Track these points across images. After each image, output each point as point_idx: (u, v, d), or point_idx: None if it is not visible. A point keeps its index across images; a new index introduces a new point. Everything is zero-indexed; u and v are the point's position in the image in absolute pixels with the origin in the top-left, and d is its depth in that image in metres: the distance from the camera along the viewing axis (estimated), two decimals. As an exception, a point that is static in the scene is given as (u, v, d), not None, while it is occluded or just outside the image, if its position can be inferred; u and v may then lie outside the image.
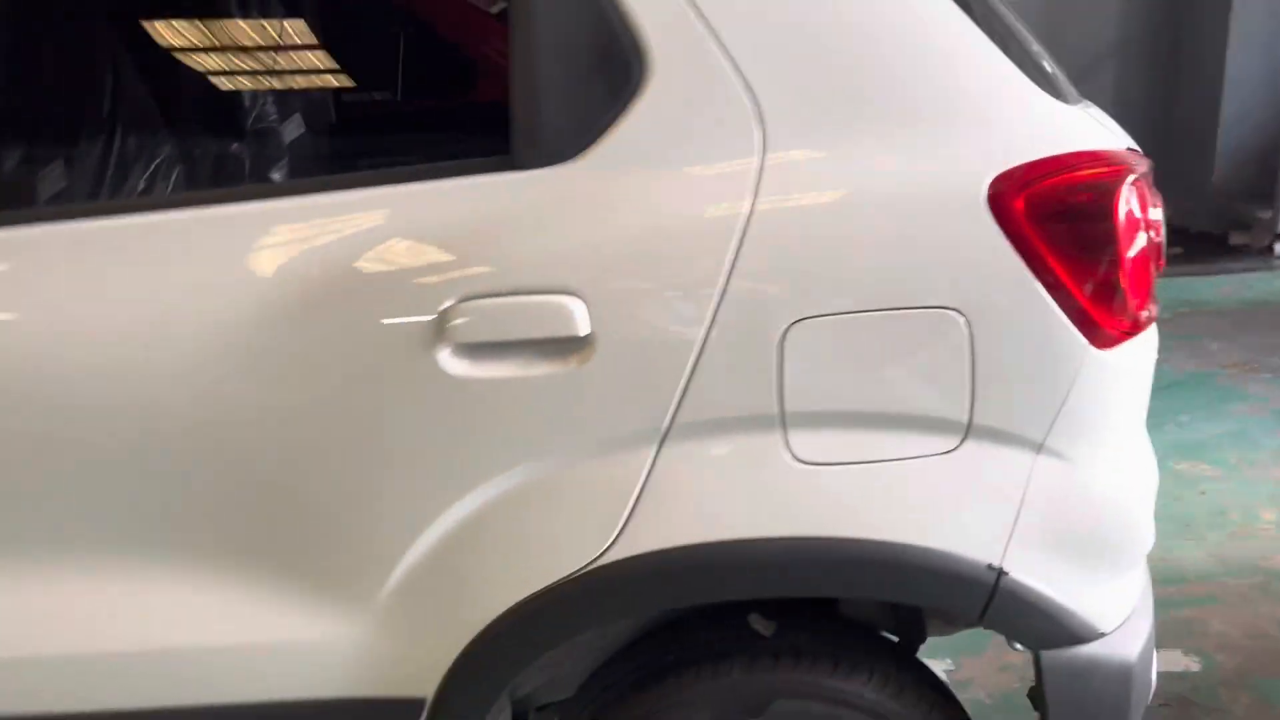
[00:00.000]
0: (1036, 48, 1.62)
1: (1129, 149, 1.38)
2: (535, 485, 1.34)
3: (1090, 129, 1.33)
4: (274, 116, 2.50)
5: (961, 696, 1.60)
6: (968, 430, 1.30)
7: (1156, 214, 1.36)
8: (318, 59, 2.57)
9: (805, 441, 1.31)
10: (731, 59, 1.27)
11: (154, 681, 1.42)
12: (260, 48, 2.46)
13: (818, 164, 1.27)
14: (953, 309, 1.26)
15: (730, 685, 1.45)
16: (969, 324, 1.26)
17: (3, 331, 1.33)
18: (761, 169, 1.27)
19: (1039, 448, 1.32)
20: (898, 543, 1.32)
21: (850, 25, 1.29)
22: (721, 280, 1.26)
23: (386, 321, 1.29)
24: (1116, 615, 1.41)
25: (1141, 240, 1.30)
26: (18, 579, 1.39)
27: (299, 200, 1.35)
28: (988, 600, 1.33)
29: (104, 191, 2.37)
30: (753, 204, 1.26)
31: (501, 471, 1.33)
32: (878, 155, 1.27)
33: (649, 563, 1.33)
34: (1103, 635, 1.39)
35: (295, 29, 1.51)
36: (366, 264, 1.29)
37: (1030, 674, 1.44)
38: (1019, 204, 1.24)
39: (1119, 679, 1.40)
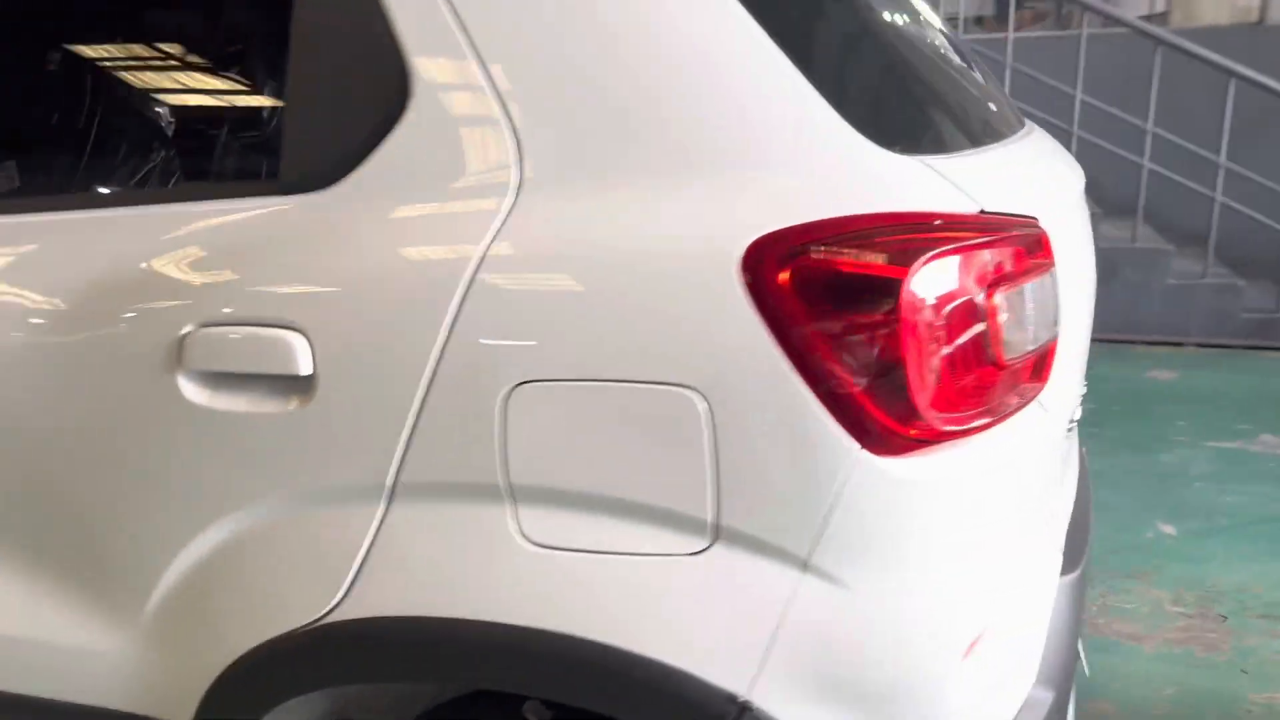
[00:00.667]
0: (955, 73, 1.38)
1: (1008, 214, 1.11)
2: (270, 527, 1.27)
3: (921, 185, 1.08)
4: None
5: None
6: (716, 532, 1.10)
7: (1007, 298, 1.09)
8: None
9: (536, 521, 1.16)
10: (497, 90, 1.14)
11: None
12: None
13: (567, 212, 1.12)
14: (691, 388, 1.07)
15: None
16: (710, 408, 1.07)
17: None
18: (508, 213, 1.13)
19: (803, 565, 1.09)
20: (628, 651, 1.13)
21: (628, 57, 1.12)
22: (444, 330, 1.13)
23: (135, 343, 1.28)
24: None
25: (959, 330, 1.05)
26: None
27: (76, 214, 1.36)
28: None
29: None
30: (486, 250, 1.13)
31: (240, 507, 1.28)
32: (636, 206, 1.10)
33: (371, 628, 1.23)
34: None
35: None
36: (120, 282, 1.29)
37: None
38: (781, 274, 1.04)
39: None
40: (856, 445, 1.05)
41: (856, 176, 1.07)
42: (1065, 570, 1.43)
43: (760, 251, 1.04)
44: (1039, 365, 1.16)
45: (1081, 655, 1.51)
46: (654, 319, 1.08)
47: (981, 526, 1.15)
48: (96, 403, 1.31)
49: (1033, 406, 1.17)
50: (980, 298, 1.07)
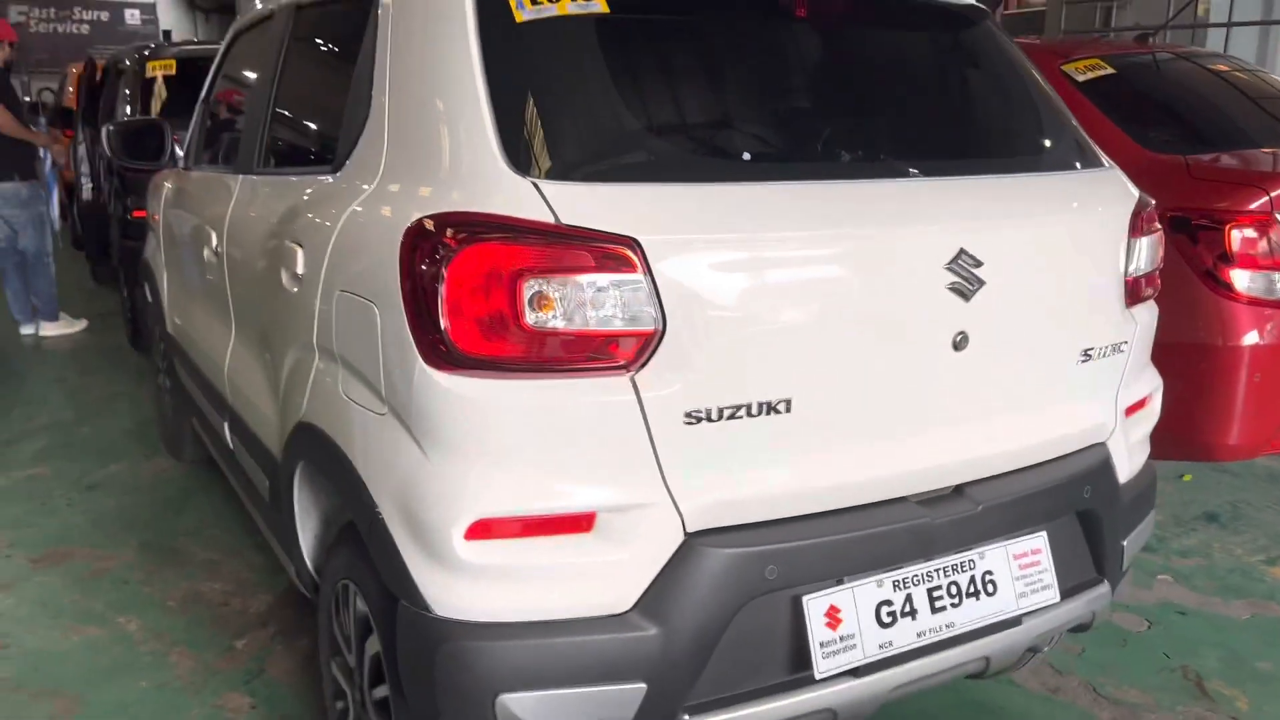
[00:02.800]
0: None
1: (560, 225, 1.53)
2: (296, 361, 2.15)
3: (516, 199, 1.54)
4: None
5: None
6: (386, 405, 1.71)
7: (544, 284, 1.50)
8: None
9: (332, 372, 1.98)
10: (386, 122, 1.91)
11: None
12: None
13: (379, 192, 1.85)
14: (370, 301, 1.71)
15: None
16: (379, 314, 1.67)
17: None
18: (372, 189, 1.92)
19: (410, 432, 1.63)
20: (352, 462, 1.83)
21: (414, 102, 1.81)
22: (329, 253, 1.99)
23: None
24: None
25: (481, 295, 1.51)
26: None
27: None
28: None
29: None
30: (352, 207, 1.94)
31: (288, 348, 2.19)
32: (394, 191, 1.80)
33: (307, 427, 2.06)
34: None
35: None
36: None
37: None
38: (405, 243, 1.60)
39: None
40: (419, 357, 1.55)
41: (480, 189, 1.57)
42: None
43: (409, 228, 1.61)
44: (617, 345, 1.52)
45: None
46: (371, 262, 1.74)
47: (492, 438, 1.54)
48: None
49: (613, 378, 1.52)
50: (506, 278, 1.49)
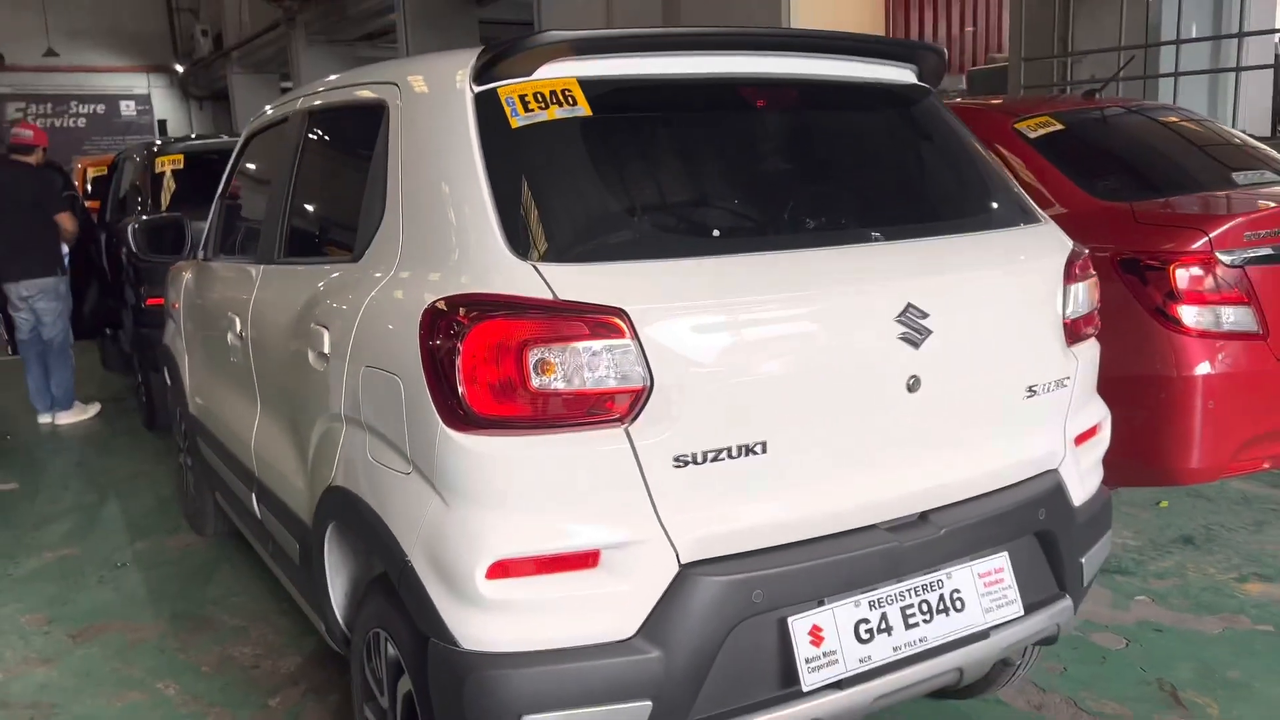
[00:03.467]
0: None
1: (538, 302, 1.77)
2: (322, 433, 2.41)
3: (519, 281, 1.79)
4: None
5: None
6: (412, 465, 1.95)
7: (545, 351, 1.74)
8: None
9: (362, 440, 2.17)
10: (400, 220, 2.19)
11: None
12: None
13: (398, 278, 2.09)
14: (395, 374, 1.96)
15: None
16: (404, 388, 1.92)
17: None
18: (389, 276, 2.17)
19: (434, 488, 1.87)
20: (381, 518, 2.04)
21: (422, 200, 2.09)
22: (355, 331, 2.26)
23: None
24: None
25: (491, 363, 1.75)
26: None
27: None
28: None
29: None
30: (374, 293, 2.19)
31: (315, 419, 2.42)
32: (406, 276, 2.07)
33: (340, 491, 2.32)
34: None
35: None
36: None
37: None
38: (423, 320, 1.86)
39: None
40: (440, 420, 1.78)
41: (485, 273, 1.82)
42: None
43: (432, 306, 1.86)
44: (612, 401, 1.76)
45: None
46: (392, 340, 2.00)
47: (507, 488, 1.78)
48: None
49: (610, 430, 1.76)
50: (513, 348, 1.73)
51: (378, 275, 2.12)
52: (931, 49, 2.43)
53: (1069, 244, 2.35)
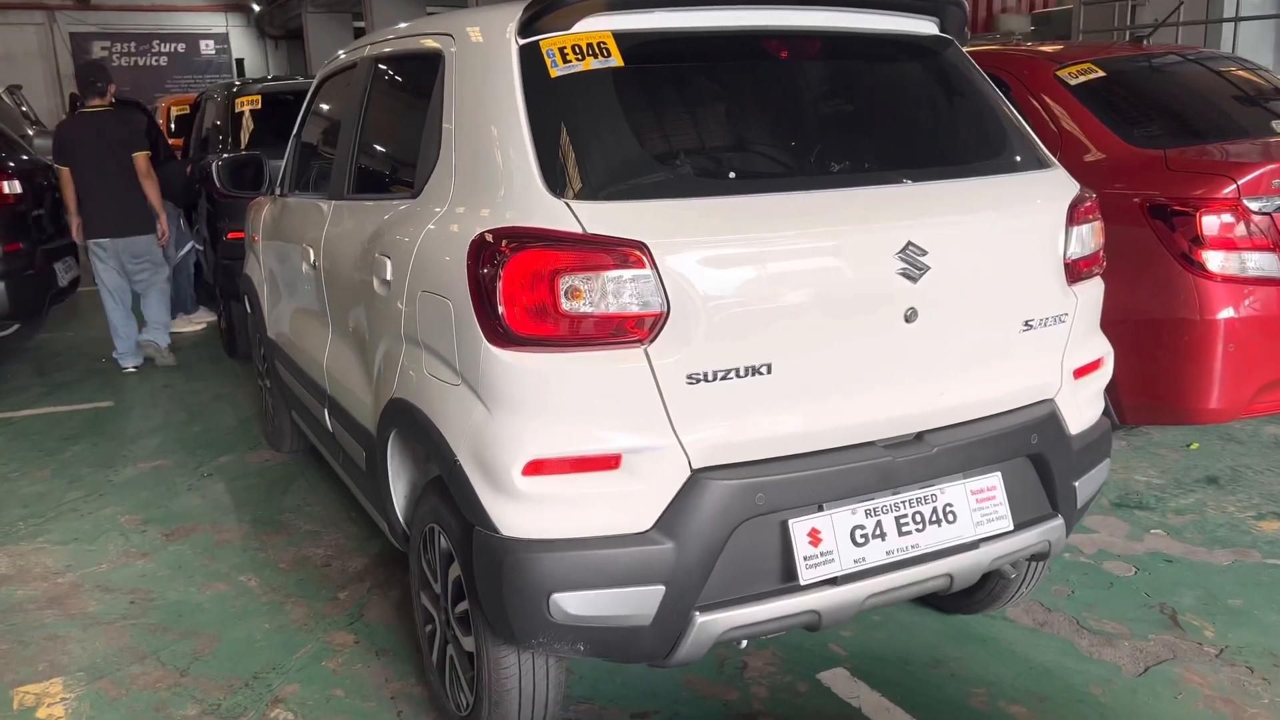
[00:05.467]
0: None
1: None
2: (385, 353, 2.68)
3: (552, 216, 2.03)
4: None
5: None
6: (461, 378, 2.20)
7: (574, 278, 1.98)
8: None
9: (420, 359, 2.43)
10: (454, 161, 2.47)
11: None
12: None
13: (449, 214, 2.35)
14: (446, 297, 2.22)
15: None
16: (453, 309, 2.17)
17: None
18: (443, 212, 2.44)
19: (479, 399, 2.13)
20: (436, 426, 2.29)
21: (472, 140, 2.33)
22: (413, 260, 2.49)
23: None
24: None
25: (527, 288, 2.00)
26: None
27: None
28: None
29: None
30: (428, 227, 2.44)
31: (379, 341, 2.72)
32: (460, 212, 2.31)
33: (399, 403, 2.58)
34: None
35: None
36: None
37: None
38: (469, 251, 2.12)
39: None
40: (484, 338, 2.03)
41: (526, 209, 2.06)
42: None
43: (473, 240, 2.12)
44: (633, 324, 1.99)
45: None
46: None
47: (541, 397, 2.03)
48: None
49: (631, 349, 1.99)
50: (547, 276, 1.97)
51: (436, 210, 2.37)
52: (953, 3, 2.58)
53: (1075, 188, 2.50)
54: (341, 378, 3.10)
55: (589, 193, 2.06)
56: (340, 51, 3.68)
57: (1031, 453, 2.40)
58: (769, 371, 2.06)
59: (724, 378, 2.03)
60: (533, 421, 2.01)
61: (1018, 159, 2.51)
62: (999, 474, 2.35)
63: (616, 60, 2.18)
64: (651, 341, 2.00)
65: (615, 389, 2.01)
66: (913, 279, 2.15)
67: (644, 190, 2.10)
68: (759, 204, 2.11)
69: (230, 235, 6.05)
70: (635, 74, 2.23)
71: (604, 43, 2.19)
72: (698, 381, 2.02)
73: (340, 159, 3.24)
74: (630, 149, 2.19)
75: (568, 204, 2.03)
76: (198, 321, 7.63)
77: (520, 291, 1.98)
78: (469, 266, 2.08)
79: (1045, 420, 2.41)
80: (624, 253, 1.97)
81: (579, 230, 1.98)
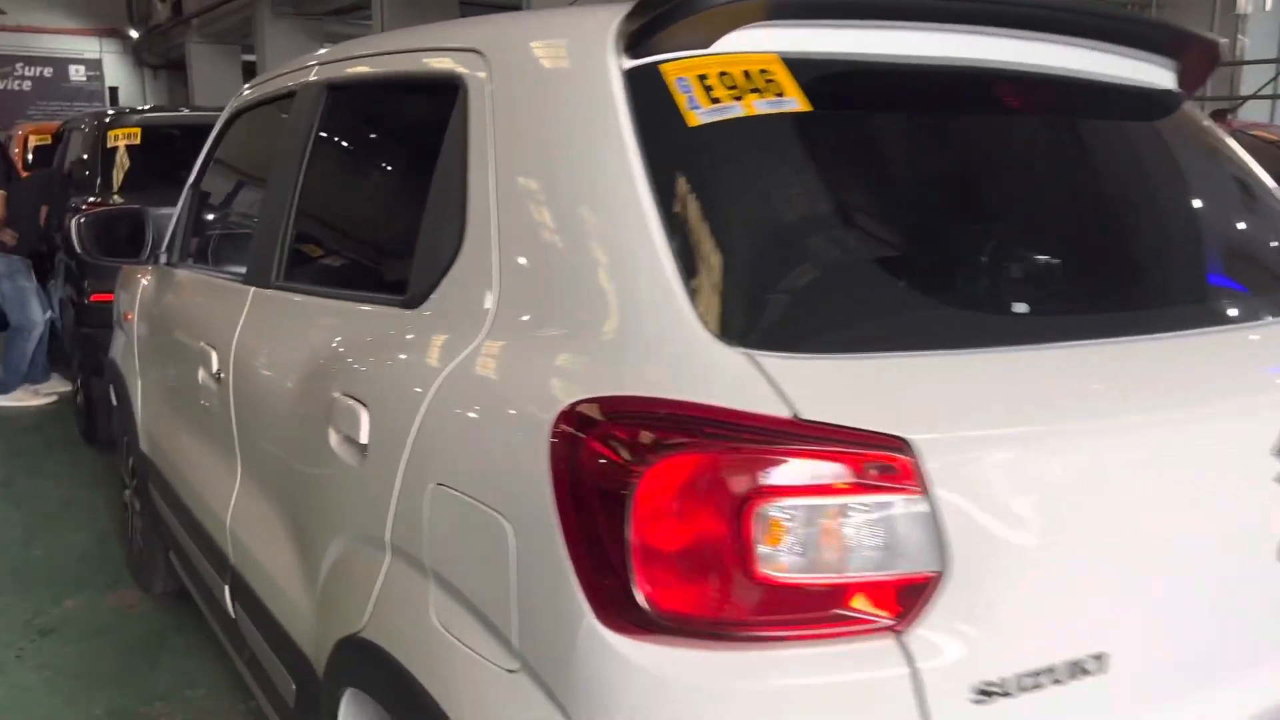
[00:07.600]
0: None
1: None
2: (350, 554, 1.66)
3: (732, 381, 1.06)
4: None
5: None
6: (518, 660, 1.22)
7: (790, 509, 1.02)
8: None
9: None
10: (500, 268, 1.42)
11: None
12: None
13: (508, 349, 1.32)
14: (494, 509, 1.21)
15: None
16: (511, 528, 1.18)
17: None
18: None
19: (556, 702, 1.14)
20: None
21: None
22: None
23: None
24: None
25: (689, 528, 1.03)
26: None
27: None
28: None
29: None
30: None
31: (339, 534, 1.68)
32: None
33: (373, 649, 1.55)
34: None
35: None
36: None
37: None
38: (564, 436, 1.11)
39: None
40: (588, 608, 1.06)
41: (676, 364, 1.11)
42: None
43: (569, 414, 1.13)
44: (882, 596, 1.05)
45: None
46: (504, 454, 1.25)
47: None
48: None
49: (875, 641, 1.05)
50: (729, 503, 1.01)
51: (459, 337, 1.39)
52: (1206, 39, 1.75)
53: None
54: (259, 557, 2.05)
55: (789, 339, 1.13)
56: (263, 75, 2.66)
57: None
58: (1100, 667, 1.15)
59: (1036, 686, 1.11)
60: None
61: None
62: None
63: (797, 101, 1.27)
64: (913, 626, 1.06)
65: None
66: None
67: (891, 337, 1.18)
68: (1082, 360, 1.21)
69: (95, 297, 4.90)
70: (837, 126, 1.31)
71: (768, 71, 1.28)
72: (991, 696, 1.09)
73: (267, 226, 2.20)
74: (851, 258, 1.26)
75: (751, 358, 1.09)
76: (46, 394, 6.30)
77: (676, 531, 1.03)
78: (556, 466, 1.11)
79: None
80: (874, 459, 1.04)
81: (786, 414, 1.04)
